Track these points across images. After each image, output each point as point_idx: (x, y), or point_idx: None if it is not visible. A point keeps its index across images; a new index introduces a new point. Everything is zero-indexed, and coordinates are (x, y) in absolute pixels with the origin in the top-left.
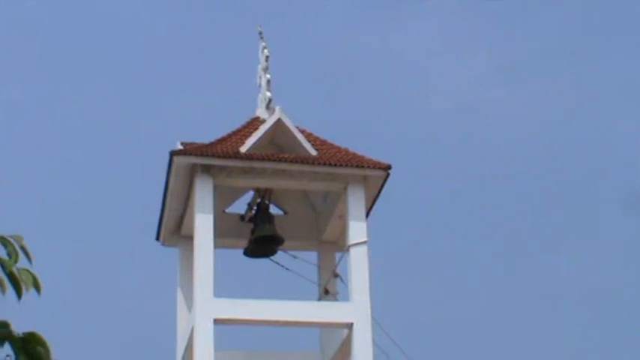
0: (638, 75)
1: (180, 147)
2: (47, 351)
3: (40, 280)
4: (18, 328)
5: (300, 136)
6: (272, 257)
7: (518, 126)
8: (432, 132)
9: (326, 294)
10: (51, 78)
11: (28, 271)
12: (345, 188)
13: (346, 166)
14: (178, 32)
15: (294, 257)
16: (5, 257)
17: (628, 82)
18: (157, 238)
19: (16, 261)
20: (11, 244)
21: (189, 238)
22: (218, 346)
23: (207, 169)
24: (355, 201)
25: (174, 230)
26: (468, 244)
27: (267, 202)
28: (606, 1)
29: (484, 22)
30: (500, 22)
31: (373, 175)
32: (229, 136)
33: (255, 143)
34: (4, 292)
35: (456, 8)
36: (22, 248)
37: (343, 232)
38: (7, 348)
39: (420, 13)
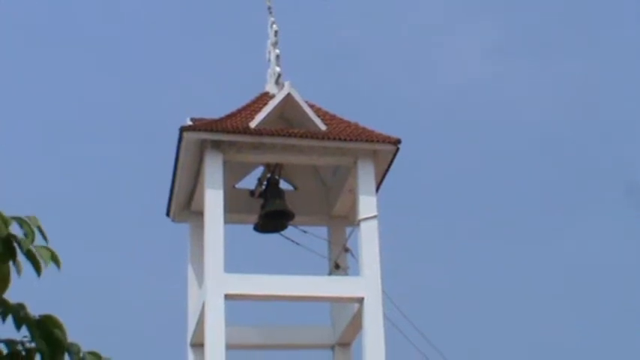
0: None
1: (189, 123)
2: (63, 333)
3: (60, 258)
4: (34, 311)
5: (309, 111)
6: (282, 232)
7: (532, 100)
8: (442, 106)
9: (336, 268)
10: (69, 55)
11: (46, 248)
12: (355, 163)
13: (356, 140)
14: (188, 8)
15: (305, 232)
16: (22, 237)
17: None
18: (168, 214)
19: (32, 240)
20: (28, 225)
21: (200, 213)
22: (229, 322)
23: (216, 145)
24: (365, 175)
25: (185, 206)
26: (477, 220)
27: (277, 177)
28: None
29: None
30: None
31: (383, 150)
32: (239, 111)
33: (264, 118)
34: (19, 273)
35: None
36: (39, 228)
37: (353, 206)
38: (24, 330)
39: None
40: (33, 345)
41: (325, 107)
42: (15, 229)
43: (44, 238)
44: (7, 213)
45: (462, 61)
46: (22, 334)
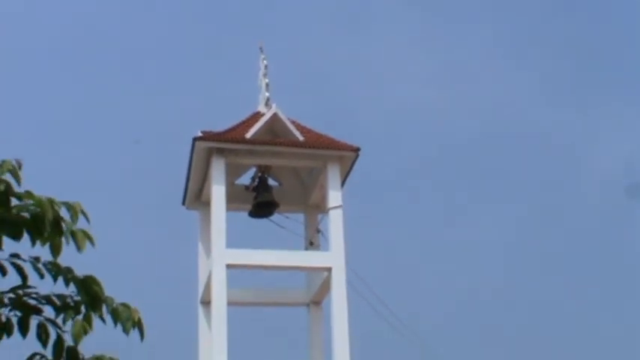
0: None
1: (200, 134)
2: (101, 289)
3: (94, 237)
4: (79, 272)
5: (290, 126)
6: (270, 218)
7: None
8: (394, 122)
9: (311, 245)
10: (91, 74)
11: (83, 231)
12: (325, 165)
13: (326, 148)
14: (201, 47)
15: (287, 217)
16: (68, 220)
17: None
18: (183, 203)
19: (75, 222)
20: (73, 209)
21: (207, 203)
22: (229, 285)
23: (220, 151)
24: (333, 175)
25: (196, 197)
26: (424, 205)
27: (266, 175)
28: None
29: (434, 30)
30: (449, 28)
31: (346, 155)
32: (237, 125)
33: (257, 131)
34: (58, 253)
35: (413, 17)
36: (82, 212)
37: (324, 198)
38: (71, 287)
39: (382, 24)
40: (79, 298)
41: (303, 123)
42: (63, 212)
43: (87, 219)
44: (58, 197)
45: (411, 84)
46: (70, 290)
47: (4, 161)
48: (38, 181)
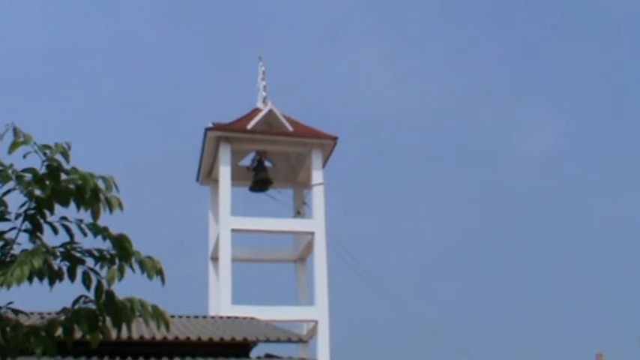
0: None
1: (211, 125)
2: (130, 245)
3: (124, 203)
4: (114, 231)
5: (283, 119)
6: (266, 192)
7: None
8: (366, 116)
9: (298, 214)
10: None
11: (117, 198)
12: (310, 150)
13: (310, 137)
14: (212, 57)
15: (279, 192)
16: (103, 189)
17: None
18: (197, 180)
19: (110, 191)
20: (107, 180)
21: (216, 180)
22: (233, 245)
23: (227, 139)
24: (316, 158)
25: (207, 175)
26: (392, 181)
27: (263, 158)
28: None
29: (396, 45)
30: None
31: (327, 143)
32: (240, 119)
33: (256, 123)
34: (97, 216)
35: (381, 35)
36: (114, 183)
37: (309, 177)
38: (107, 243)
39: (357, 39)
40: (113, 252)
41: (293, 116)
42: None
43: (117, 190)
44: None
45: (378, 87)
46: (107, 245)
47: (56, 144)
48: (86, 160)
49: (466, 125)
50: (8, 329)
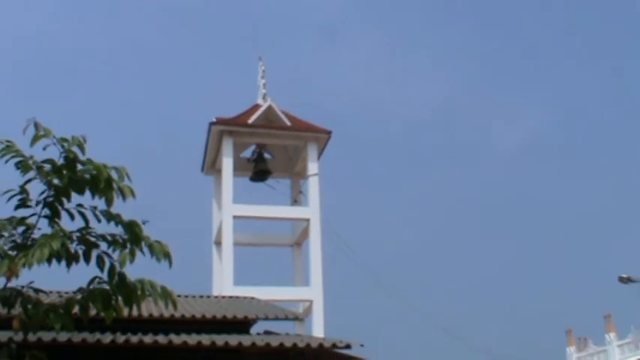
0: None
1: (214, 120)
2: (140, 230)
3: (136, 191)
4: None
5: (281, 115)
6: (265, 182)
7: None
8: (360, 112)
9: (295, 202)
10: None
11: (129, 186)
12: (306, 143)
13: (306, 131)
14: (220, 57)
15: (278, 182)
16: (116, 179)
17: None
18: (202, 170)
19: (122, 180)
20: (120, 170)
21: (219, 170)
22: (235, 230)
23: (230, 132)
24: (312, 150)
25: (211, 166)
26: (382, 171)
27: (262, 151)
28: None
29: (389, 47)
30: (405, 37)
31: (321, 137)
32: (242, 114)
33: (256, 118)
34: (111, 204)
35: (375, 34)
36: (127, 174)
37: (305, 168)
38: (119, 228)
39: (353, 39)
40: (125, 236)
41: (290, 112)
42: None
43: (129, 179)
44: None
45: (372, 84)
46: (119, 230)
47: (73, 137)
48: (100, 153)
49: (459, 121)
50: (30, 306)
